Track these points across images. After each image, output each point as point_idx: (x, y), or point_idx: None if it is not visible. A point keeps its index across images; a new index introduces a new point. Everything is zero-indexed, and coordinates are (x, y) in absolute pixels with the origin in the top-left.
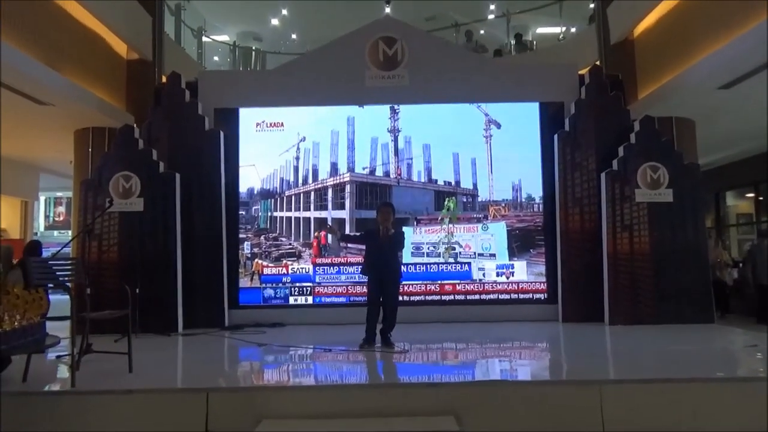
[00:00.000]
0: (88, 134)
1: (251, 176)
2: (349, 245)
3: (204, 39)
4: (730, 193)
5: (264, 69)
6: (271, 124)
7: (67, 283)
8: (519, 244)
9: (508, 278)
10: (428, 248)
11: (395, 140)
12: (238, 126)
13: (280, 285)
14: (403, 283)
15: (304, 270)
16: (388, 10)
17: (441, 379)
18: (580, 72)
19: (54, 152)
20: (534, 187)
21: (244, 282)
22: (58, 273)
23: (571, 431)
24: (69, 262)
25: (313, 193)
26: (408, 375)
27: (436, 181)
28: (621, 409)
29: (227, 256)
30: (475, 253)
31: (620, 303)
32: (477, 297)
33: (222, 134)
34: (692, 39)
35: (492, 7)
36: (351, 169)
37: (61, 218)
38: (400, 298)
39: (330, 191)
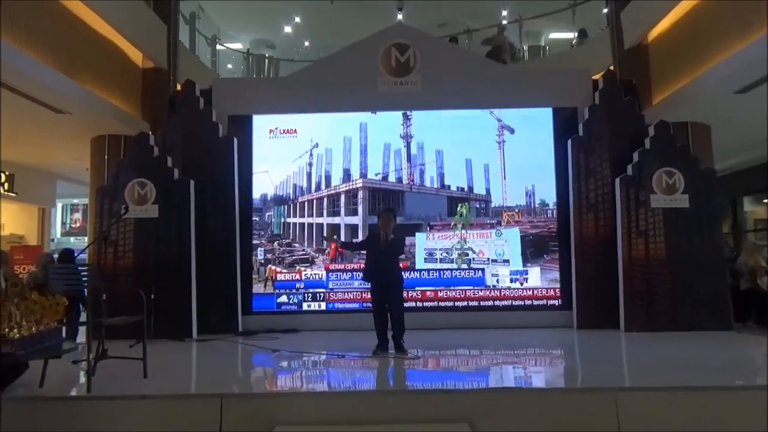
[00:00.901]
0: (105, 142)
1: (265, 182)
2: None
3: (218, 47)
4: (747, 198)
5: (277, 76)
6: (284, 131)
7: (84, 290)
8: (533, 250)
9: (521, 284)
10: (441, 254)
11: (408, 146)
12: (252, 133)
13: (294, 291)
14: (417, 288)
15: (317, 276)
16: (400, 16)
17: (455, 385)
18: (593, 77)
19: (71, 160)
20: (547, 193)
21: (257, 288)
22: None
23: None
24: (85, 268)
25: (326, 199)
26: (421, 381)
27: (449, 186)
28: (637, 417)
29: (241, 262)
30: (488, 259)
31: (636, 310)
32: (490, 303)
33: (236, 141)
34: (707, 43)
35: (504, 12)
36: (364, 175)
37: (78, 225)
38: (413, 304)
39: (343, 197)
